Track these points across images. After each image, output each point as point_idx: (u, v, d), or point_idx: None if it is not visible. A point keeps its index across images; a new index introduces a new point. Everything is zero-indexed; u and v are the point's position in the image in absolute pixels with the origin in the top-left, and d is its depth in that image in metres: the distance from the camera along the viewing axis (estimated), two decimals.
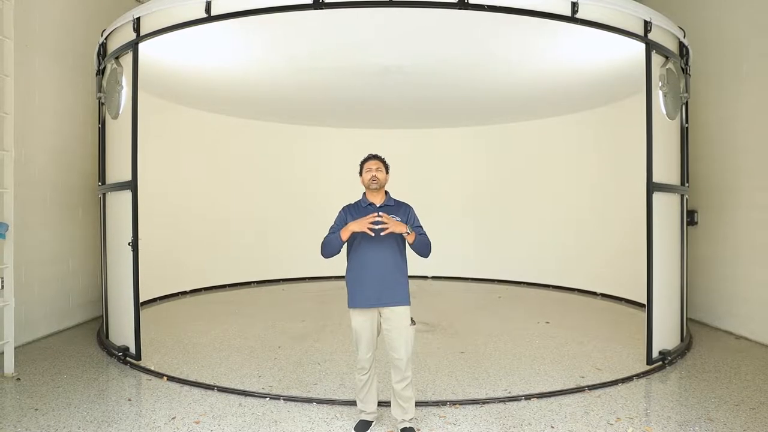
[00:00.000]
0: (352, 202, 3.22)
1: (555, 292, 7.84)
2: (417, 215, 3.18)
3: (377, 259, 2.98)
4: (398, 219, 3.02)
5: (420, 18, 4.18)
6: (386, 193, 3.18)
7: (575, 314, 6.36)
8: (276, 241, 8.58)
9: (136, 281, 4.34)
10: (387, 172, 3.17)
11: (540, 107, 7.40)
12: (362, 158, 3.20)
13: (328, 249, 3.02)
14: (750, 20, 5.35)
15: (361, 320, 3.04)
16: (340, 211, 3.17)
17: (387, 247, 3.00)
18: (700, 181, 5.97)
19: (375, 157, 3.18)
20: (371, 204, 3.12)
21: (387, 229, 2.86)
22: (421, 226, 3.13)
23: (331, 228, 3.11)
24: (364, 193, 3.18)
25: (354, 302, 3.04)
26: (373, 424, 3.20)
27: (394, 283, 3.00)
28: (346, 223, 3.03)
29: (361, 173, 3.17)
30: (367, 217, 2.90)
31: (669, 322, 4.65)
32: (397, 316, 3.00)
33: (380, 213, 2.93)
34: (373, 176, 3.08)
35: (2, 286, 4.13)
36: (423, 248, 3.04)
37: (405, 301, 3.03)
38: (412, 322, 3.06)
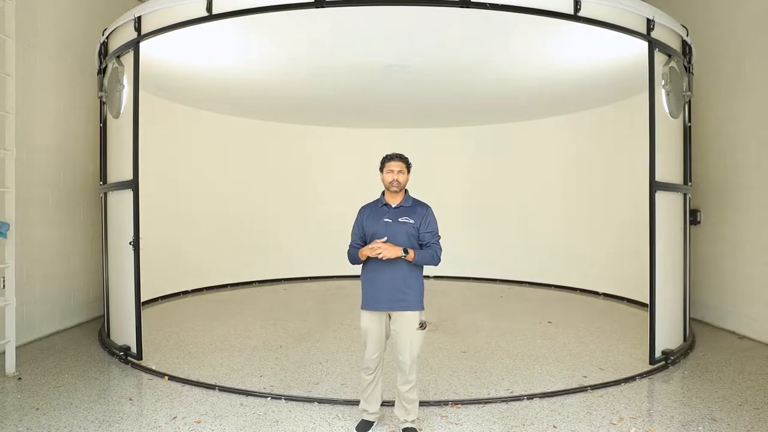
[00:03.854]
0: (371, 201, 3.20)
1: (557, 292, 7.83)
2: (435, 218, 3.10)
3: (391, 263, 2.96)
4: (412, 221, 3.00)
5: (421, 17, 4.16)
6: (405, 191, 3.13)
7: (577, 314, 6.34)
8: (278, 240, 8.56)
9: (137, 280, 4.33)
10: (408, 172, 3.10)
11: (541, 106, 7.38)
12: (384, 155, 3.10)
13: (352, 261, 3.12)
14: (753, 19, 5.33)
15: (370, 320, 3.04)
16: (357, 214, 3.17)
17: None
18: (703, 180, 5.95)
19: (398, 157, 3.06)
20: (386, 204, 3.09)
21: (383, 255, 2.86)
22: (432, 232, 3.04)
23: (352, 230, 3.15)
24: (383, 192, 3.14)
25: (365, 304, 3.05)
26: (374, 425, 3.19)
27: (405, 288, 2.98)
28: (361, 227, 3.11)
29: (381, 170, 3.09)
30: (372, 246, 2.91)
31: (672, 321, 4.63)
32: (405, 319, 3.00)
33: (379, 241, 2.93)
34: (394, 179, 3.02)
35: (3, 286, 4.14)
36: (427, 262, 2.98)
37: (414, 306, 3.01)
38: (423, 326, 3.04)
